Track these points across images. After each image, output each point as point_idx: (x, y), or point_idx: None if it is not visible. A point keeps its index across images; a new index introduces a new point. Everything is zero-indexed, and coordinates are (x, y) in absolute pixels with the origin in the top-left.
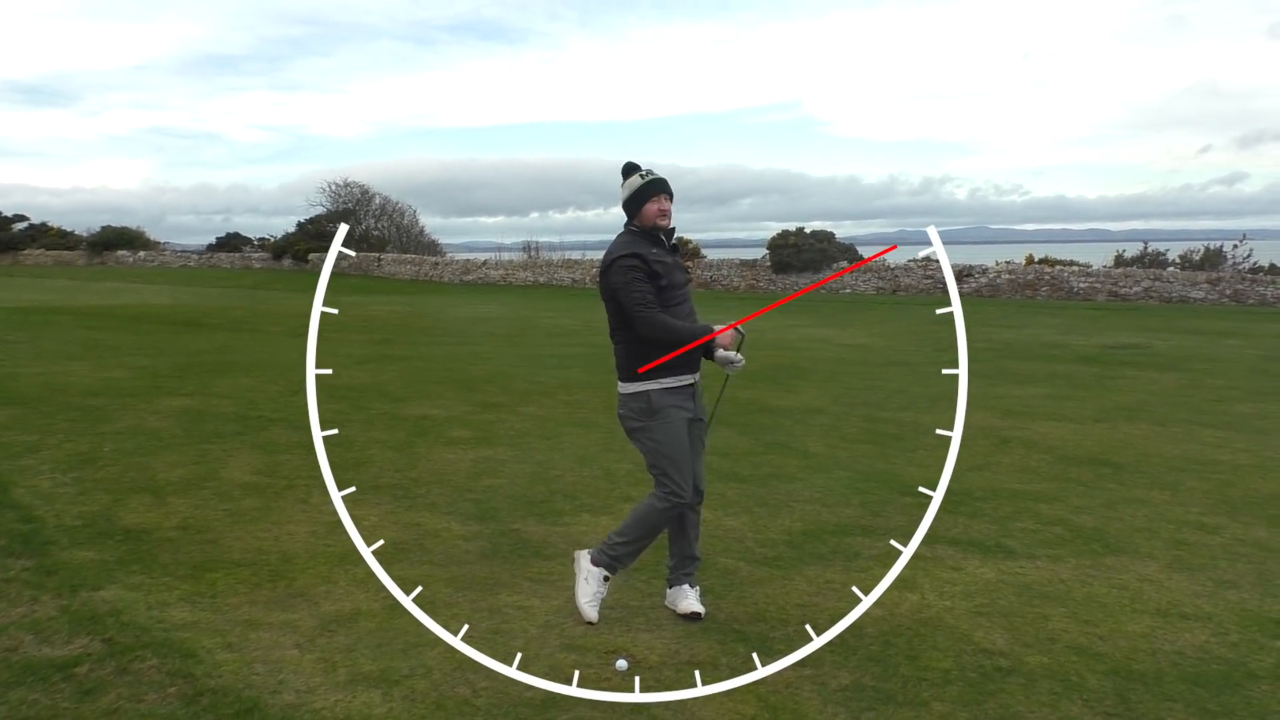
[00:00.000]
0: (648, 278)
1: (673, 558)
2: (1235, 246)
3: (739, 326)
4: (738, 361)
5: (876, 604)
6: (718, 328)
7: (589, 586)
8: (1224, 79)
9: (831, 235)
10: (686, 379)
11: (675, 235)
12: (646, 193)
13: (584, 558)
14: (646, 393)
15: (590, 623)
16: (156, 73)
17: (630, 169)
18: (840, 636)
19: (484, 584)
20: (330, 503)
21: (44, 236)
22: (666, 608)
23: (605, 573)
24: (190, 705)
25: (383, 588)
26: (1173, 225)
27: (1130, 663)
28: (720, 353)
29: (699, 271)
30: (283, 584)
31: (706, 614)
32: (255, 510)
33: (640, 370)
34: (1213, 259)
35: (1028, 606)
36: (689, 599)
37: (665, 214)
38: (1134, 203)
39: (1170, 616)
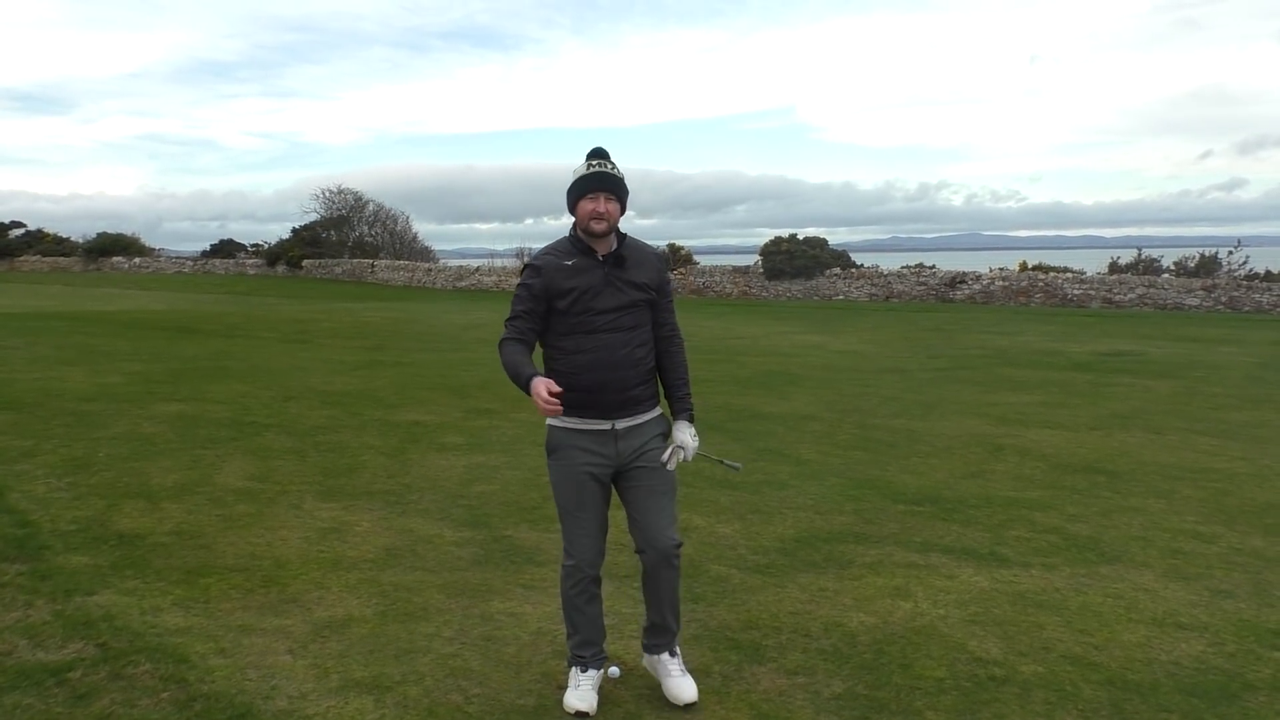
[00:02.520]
0: (534, 296)
1: (646, 616)
2: (1231, 253)
3: (685, 424)
4: (667, 461)
5: (870, 612)
6: (534, 386)
7: (570, 682)
8: (1231, 84)
9: (824, 242)
10: (595, 424)
11: (623, 244)
12: (581, 187)
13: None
14: (550, 427)
15: (579, 713)
16: (151, 80)
17: (590, 155)
18: (834, 645)
19: (476, 590)
20: (323, 508)
21: (40, 243)
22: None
23: (575, 668)
24: (183, 711)
25: (375, 594)
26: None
27: (1126, 673)
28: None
29: (691, 279)
30: (275, 589)
31: (699, 621)
32: (248, 516)
33: None
34: (1208, 266)
35: (1022, 615)
36: (672, 675)
37: (599, 217)
38: (1131, 209)
39: (1166, 626)
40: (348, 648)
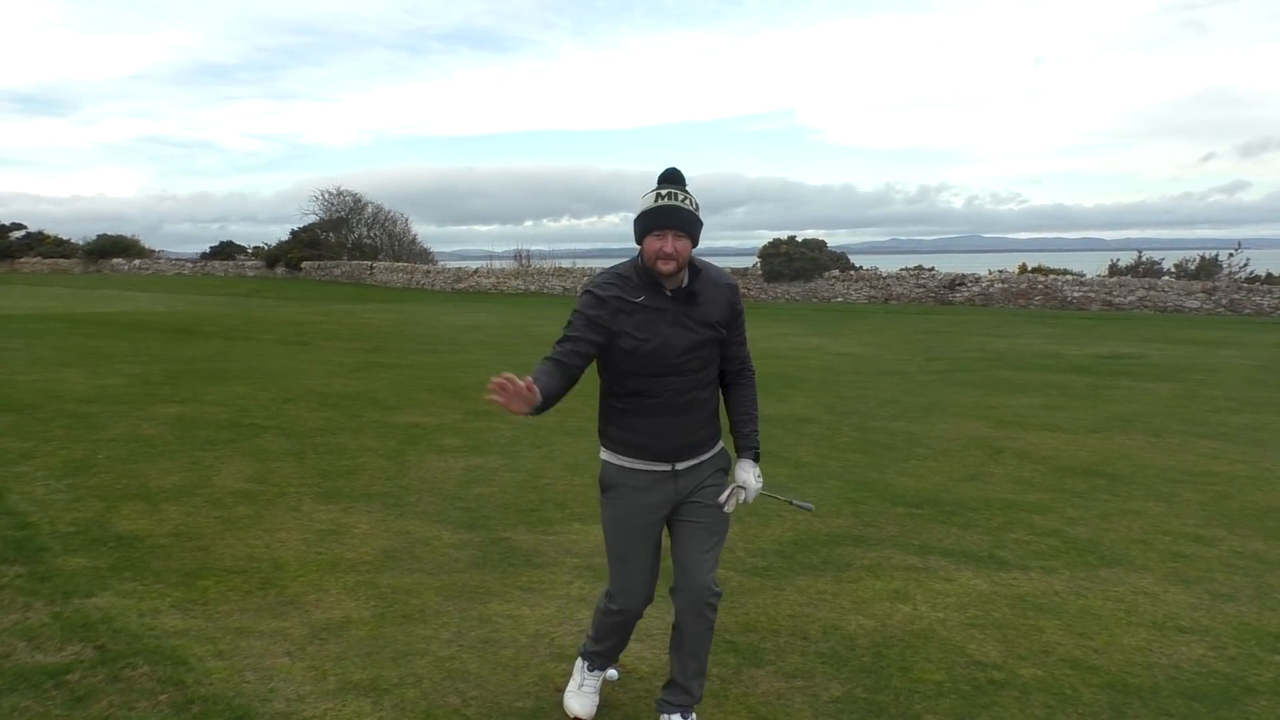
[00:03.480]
0: (596, 330)
1: (669, 671)
2: (1231, 255)
3: (750, 464)
4: (725, 503)
5: (869, 615)
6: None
7: (574, 678)
8: (1236, 86)
9: (823, 244)
10: (657, 466)
11: (696, 278)
12: (648, 222)
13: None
14: (605, 463)
15: (576, 718)
16: (152, 82)
17: (661, 179)
18: (832, 648)
19: (474, 592)
20: (322, 510)
21: (40, 244)
22: (660, 615)
23: (585, 663)
24: (181, 713)
25: (373, 596)
26: (1169, 234)
27: (1126, 676)
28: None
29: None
30: (274, 591)
31: None
32: (247, 518)
33: (600, 432)
34: (1208, 268)
35: (1021, 618)
36: None
37: (668, 257)
38: (1132, 211)
39: (1166, 630)
40: (345, 650)
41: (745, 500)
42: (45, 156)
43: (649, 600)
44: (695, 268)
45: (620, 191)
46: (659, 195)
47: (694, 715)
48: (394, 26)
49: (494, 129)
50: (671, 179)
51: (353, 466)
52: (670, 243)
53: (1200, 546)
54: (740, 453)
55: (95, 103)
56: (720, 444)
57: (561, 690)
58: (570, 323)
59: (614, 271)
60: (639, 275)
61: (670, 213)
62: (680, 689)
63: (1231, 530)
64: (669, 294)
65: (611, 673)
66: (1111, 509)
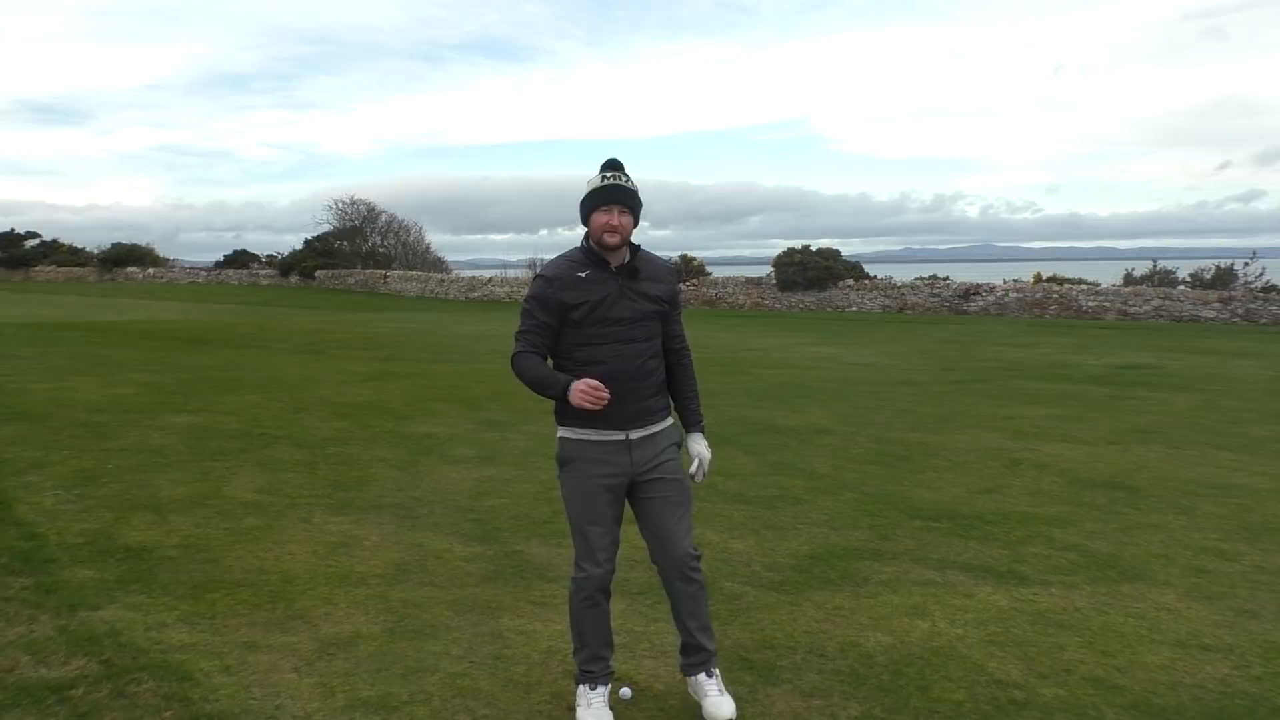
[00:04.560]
0: (547, 309)
1: (678, 636)
2: (1246, 264)
3: (700, 436)
4: (695, 474)
5: (887, 631)
6: (574, 386)
7: (580, 702)
8: (1256, 94)
9: (837, 253)
10: (612, 435)
11: (635, 255)
12: (594, 200)
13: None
14: (562, 439)
15: None
16: (168, 91)
17: (604, 165)
18: (850, 665)
19: (486, 607)
20: (332, 522)
21: (55, 253)
22: (672, 631)
23: (584, 686)
24: None
25: (383, 610)
26: (1183, 243)
27: (1150, 696)
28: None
29: (703, 290)
30: (282, 605)
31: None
32: (256, 529)
33: (557, 412)
34: (1224, 277)
35: (1042, 636)
36: (709, 696)
37: (613, 230)
38: (1147, 220)
39: (1190, 647)
40: (354, 666)
41: (705, 468)
42: (62, 166)
43: (613, 568)
44: (634, 247)
45: None
46: (604, 177)
47: (716, 669)
48: (409, 36)
49: (509, 138)
50: (613, 165)
51: (364, 477)
52: (615, 217)
53: (1222, 561)
54: (690, 427)
55: (112, 112)
56: (671, 419)
57: (573, 710)
58: (527, 311)
59: (562, 256)
60: (585, 255)
61: (614, 190)
62: (694, 648)
63: (1254, 544)
64: (614, 269)
65: (625, 691)
66: (1131, 522)
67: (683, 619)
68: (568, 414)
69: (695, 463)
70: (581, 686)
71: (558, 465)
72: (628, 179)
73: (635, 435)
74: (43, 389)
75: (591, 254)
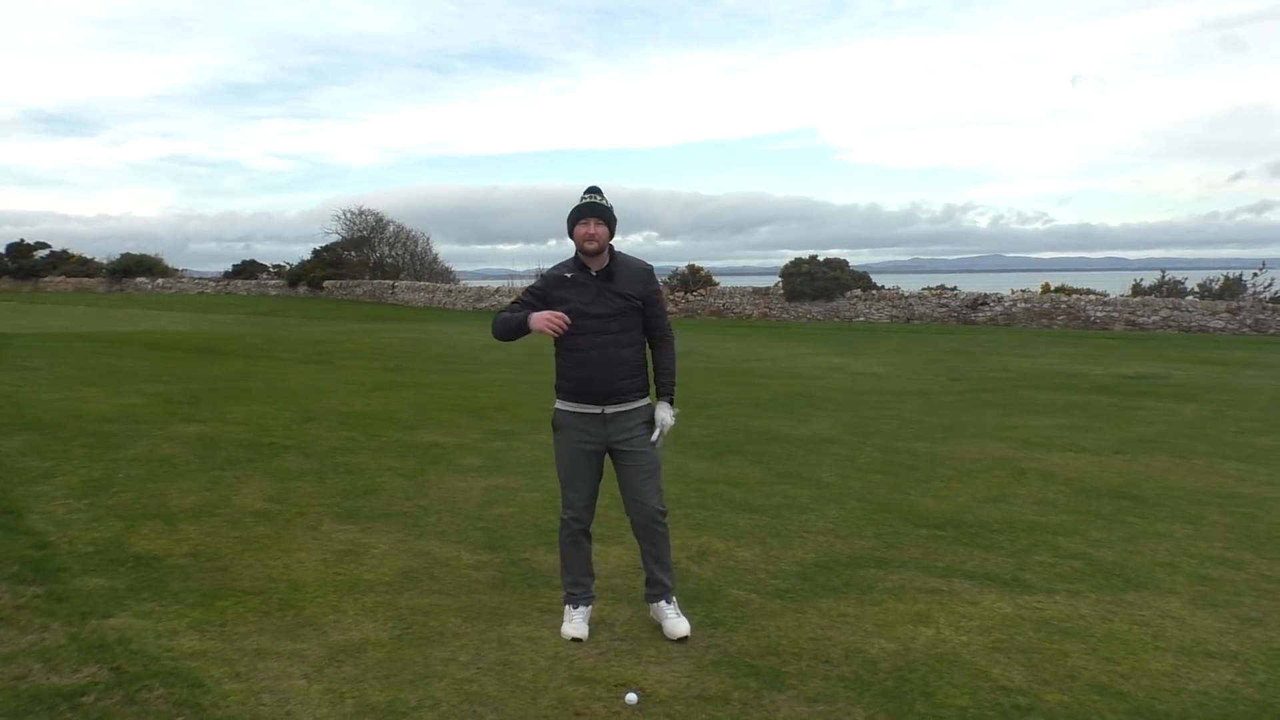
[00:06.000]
0: (538, 298)
1: (644, 571)
2: (1255, 275)
3: (666, 405)
4: (656, 440)
5: (891, 638)
6: (536, 314)
7: (565, 618)
8: (1273, 104)
9: (845, 263)
10: (589, 408)
11: (613, 260)
12: (576, 215)
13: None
14: (556, 409)
15: (575, 639)
16: (177, 102)
17: (586, 191)
18: (854, 672)
19: (493, 614)
20: (341, 530)
21: (65, 263)
22: (673, 641)
23: (569, 605)
24: None
25: (392, 617)
26: (1194, 254)
27: (1153, 703)
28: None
29: (711, 300)
30: (292, 613)
31: (718, 647)
32: (266, 538)
33: (556, 388)
34: (1232, 288)
35: (1046, 643)
36: (669, 618)
37: (591, 238)
38: (1158, 231)
39: (1194, 655)
40: (363, 672)
41: (664, 431)
42: (72, 176)
43: (591, 511)
44: (614, 257)
45: (646, 210)
46: (584, 198)
47: (674, 598)
48: (418, 46)
49: (519, 148)
50: (593, 190)
51: (372, 486)
52: (593, 228)
53: (1228, 570)
54: (659, 396)
55: (122, 123)
56: (646, 399)
57: (581, 714)
58: (520, 299)
59: (558, 263)
60: (573, 263)
61: (591, 206)
62: (656, 583)
63: (1259, 553)
64: (594, 274)
65: (631, 696)
66: (1137, 531)
67: (648, 560)
68: (559, 387)
69: (656, 430)
70: (567, 606)
71: (552, 430)
72: (603, 198)
73: (610, 410)
74: (53, 399)
75: (578, 262)
